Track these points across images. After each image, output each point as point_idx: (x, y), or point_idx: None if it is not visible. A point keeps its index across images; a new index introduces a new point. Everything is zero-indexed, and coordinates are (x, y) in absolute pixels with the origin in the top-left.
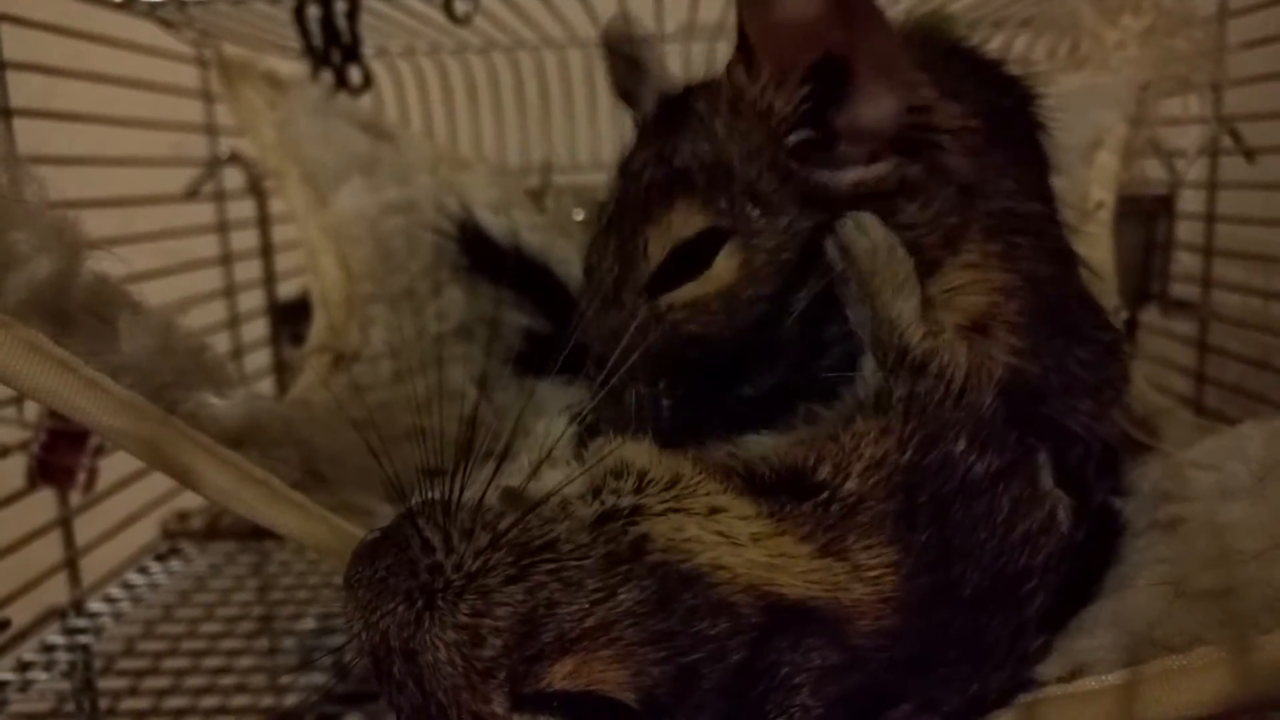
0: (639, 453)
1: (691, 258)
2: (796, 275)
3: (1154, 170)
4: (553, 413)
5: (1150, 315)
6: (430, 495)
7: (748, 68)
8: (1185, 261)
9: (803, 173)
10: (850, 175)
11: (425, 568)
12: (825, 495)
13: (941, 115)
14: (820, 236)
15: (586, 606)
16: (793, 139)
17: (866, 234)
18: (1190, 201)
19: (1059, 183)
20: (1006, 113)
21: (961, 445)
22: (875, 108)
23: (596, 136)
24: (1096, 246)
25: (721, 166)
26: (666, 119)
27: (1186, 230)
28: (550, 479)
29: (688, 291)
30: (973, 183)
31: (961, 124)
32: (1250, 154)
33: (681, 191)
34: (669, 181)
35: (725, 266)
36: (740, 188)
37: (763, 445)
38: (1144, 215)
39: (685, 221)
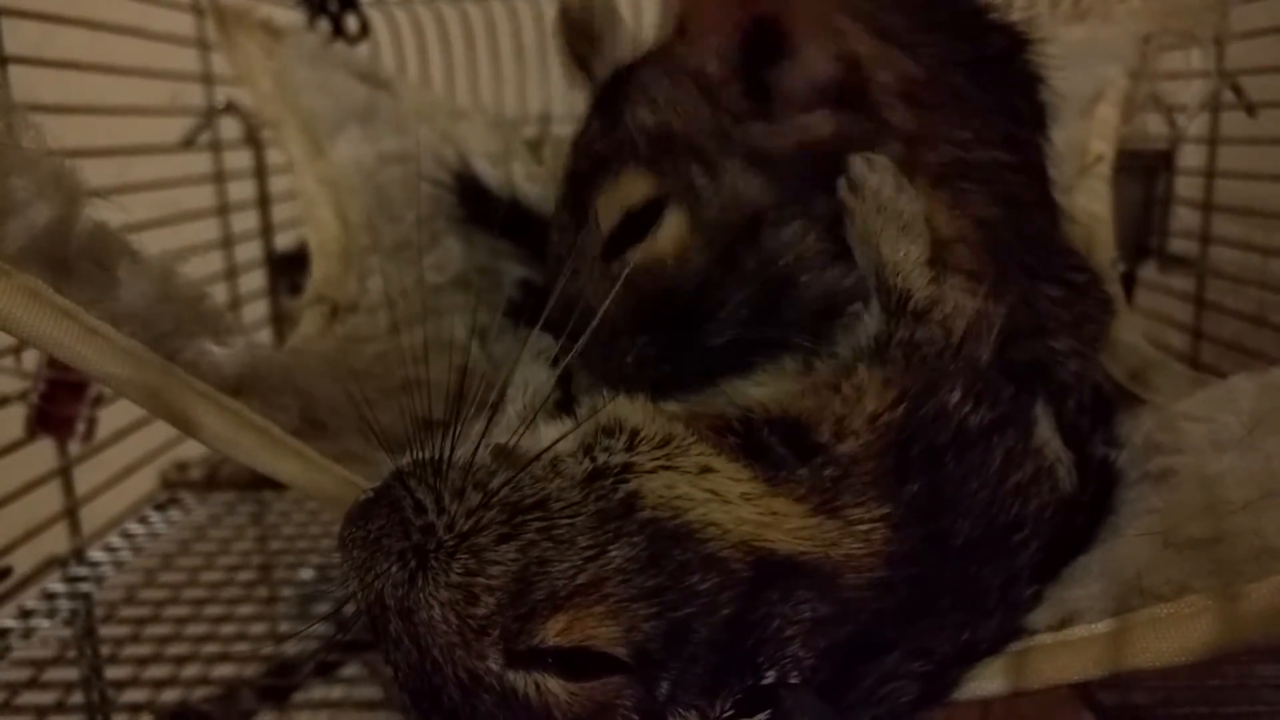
0: (632, 411)
1: (639, 222)
2: (746, 234)
3: (1154, 125)
4: (528, 360)
5: (1148, 271)
6: (421, 454)
7: (680, 33)
8: (1184, 217)
9: (740, 133)
10: (788, 132)
11: (418, 528)
12: (821, 459)
13: (879, 69)
14: (768, 198)
15: (578, 564)
16: (726, 100)
17: (874, 171)
18: (1190, 156)
19: (1054, 133)
20: (984, 62)
21: (956, 396)
22: (809, 66)
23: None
24: (1095, 200)
25: (664, 132)
26: (614, 91)
27: (1186, 185)
28: (540, 431)
29: (639, 251)
30: (915, 134)
31: (901, 76)
32: (1251, 109)
33: (628, 159)
34: (615, 150)
35: (672, 228)
36: (683, 151)
37: (762, 392)
38: (1144, 170)
39: (631, 188)
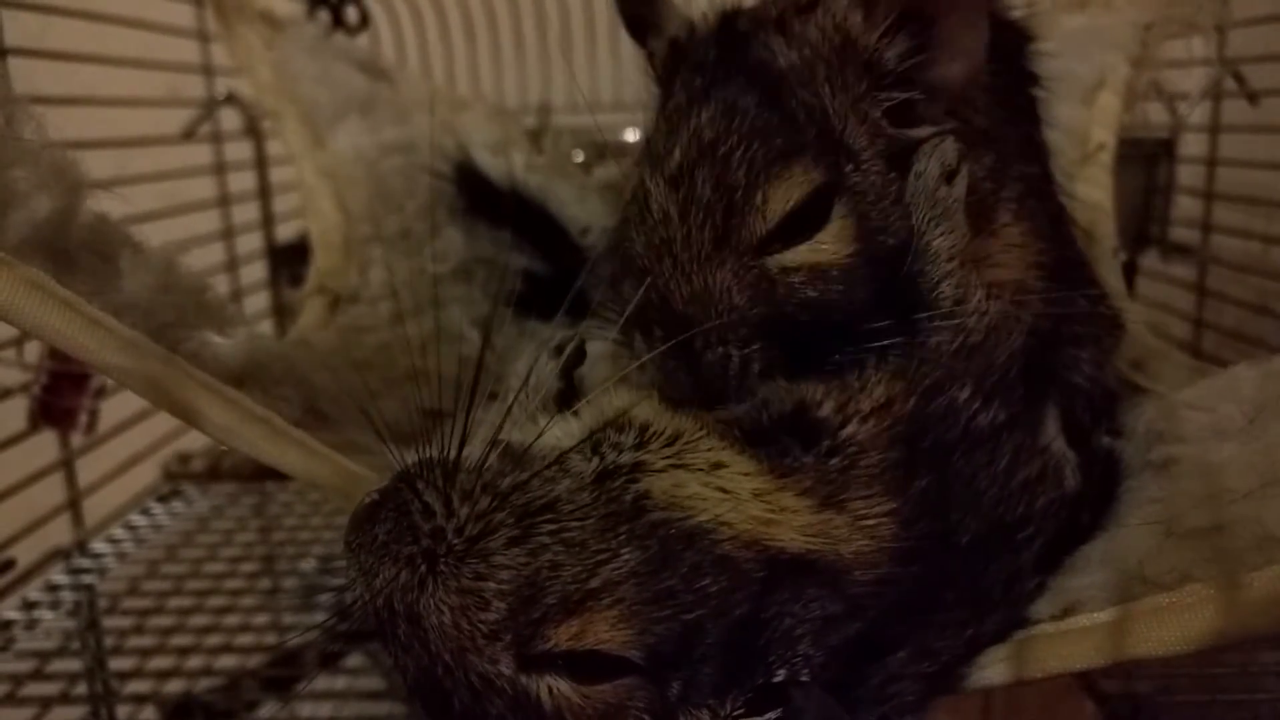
0: (641, 405)
1: (807, 216)
2: (904, 244)
3: (1156, 113)
4: (533, 351)
5: (1150, 259)
6: (428, 454)
7: (866, 12)
8: (1186, 205)
9: (889, 131)
10: (922, 135)
11: (426, 532)
12: (826, 444)
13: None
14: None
15: (590, 567)
16: (895, 95)
17: (932, 153)
18: (1192, 145)
19: (1051, 136)
20: (997, 64)
21: (965, 394)
22: (955, 64)
23: (595, 77)
24: (1097, 188)
25: (824, 116)
26: (731, 57)
27: (1187, 174)
28: (542, 425)
29: (803, 253)
30: (998, 146)
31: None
32: (1253, 97)
33: (797, 143)
34: (781, 131)
35: (842, 226)
36: (839, 143)
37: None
38: (1145, 158)
39: (805, 176)
